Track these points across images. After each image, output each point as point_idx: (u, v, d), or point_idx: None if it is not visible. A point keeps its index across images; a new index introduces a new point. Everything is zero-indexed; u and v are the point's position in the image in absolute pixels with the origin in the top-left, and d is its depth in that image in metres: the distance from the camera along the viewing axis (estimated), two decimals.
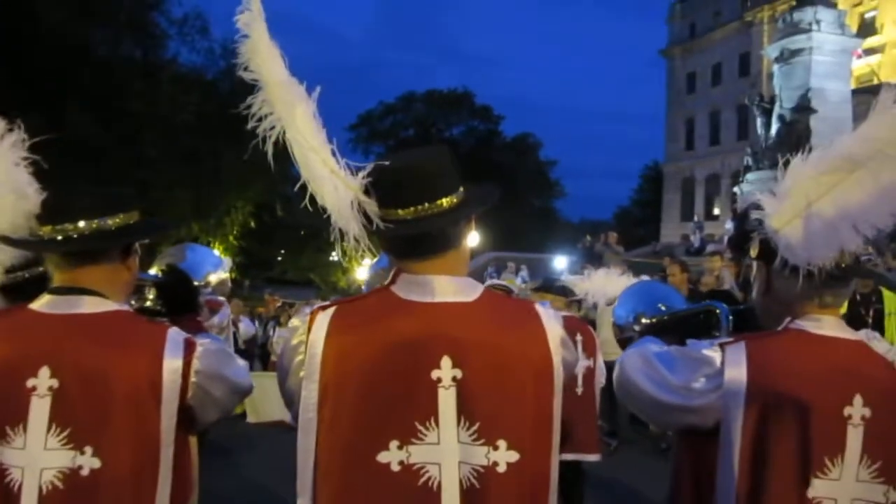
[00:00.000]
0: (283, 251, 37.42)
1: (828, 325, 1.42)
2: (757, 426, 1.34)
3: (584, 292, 4.21)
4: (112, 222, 1.51)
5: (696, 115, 44.42)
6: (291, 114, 1.28)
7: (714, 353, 1.40)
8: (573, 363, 1.43)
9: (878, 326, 5.59)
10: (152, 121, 22.20)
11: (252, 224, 29.36)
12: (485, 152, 48.62)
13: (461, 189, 1.36)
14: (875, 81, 29.75)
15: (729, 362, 1.37)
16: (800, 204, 1.33)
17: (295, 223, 32.63)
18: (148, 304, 1.93)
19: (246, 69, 1.30)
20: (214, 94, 25.87)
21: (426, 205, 1.30)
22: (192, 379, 1.45)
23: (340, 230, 1.28)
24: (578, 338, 4.25)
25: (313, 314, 1.32)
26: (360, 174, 1.30)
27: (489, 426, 1.25)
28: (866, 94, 25.56)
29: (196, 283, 2.06)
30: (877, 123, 1.27)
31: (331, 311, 1.31)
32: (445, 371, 1.24)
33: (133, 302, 1.84)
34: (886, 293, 5.93)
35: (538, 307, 1.40)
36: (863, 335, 1.44)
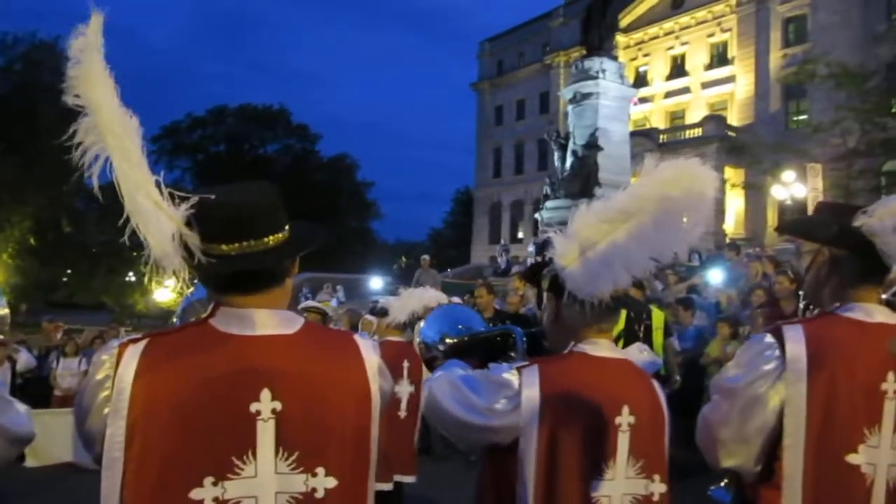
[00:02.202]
0: (69, 271, 33.34)
1: (603, 347, 1.66)
2: (549, 440, 1.52)
3: (394, 309, 4.42)
4: None
5: (503, 145, 47.64)
6: (121, 146, 1.22)
7: (512, 377, 1.56)
8: (389, 391, 1.49)
9: (648, 339, 6.50)
10: None
11: (32, 241, 25.91)
12: (301, 171, 47.77)
13: (287, 227, 1.37)
14: (647, 126, 34.54)
15: (525, 384, 1.54)
16: (581, 246, 1.54)
17: (84, 240, 29.43)
18: None
19: (72, 93, 1.21)
20: None
21: (251, 241, 1.29)
22: None
23: (157, 263, 1.23)
24: (405, 364, 4.28)
25: (122, 347, 1.26)
26: (183, 206, 1.26)
27: (308, 455, 1.27)
28: (640, 136, 29.44)
29: None
30: (643, 184, 1.50)
31: (142, 344, 1.26)
32: (265, 403, 1.25)
33: None
34: (655, 311, 6.90)
35: (356, 337, 1.45)
36: (635, 348, 1.71)
